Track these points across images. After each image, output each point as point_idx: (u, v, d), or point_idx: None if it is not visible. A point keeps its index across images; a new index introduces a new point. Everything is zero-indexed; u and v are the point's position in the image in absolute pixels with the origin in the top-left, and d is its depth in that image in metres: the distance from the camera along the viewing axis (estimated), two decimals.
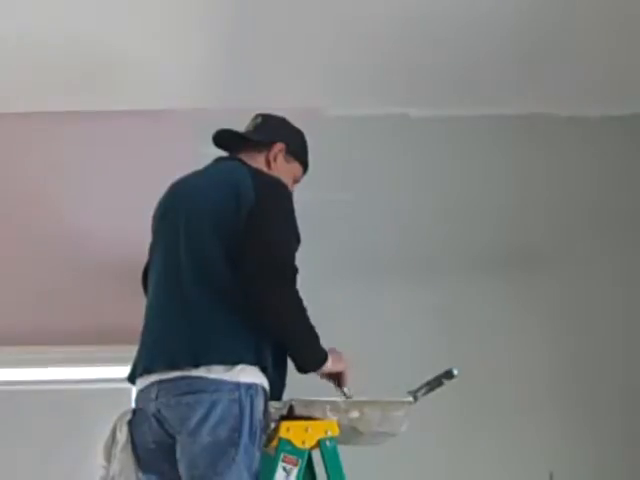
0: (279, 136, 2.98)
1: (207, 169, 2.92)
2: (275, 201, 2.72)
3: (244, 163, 2.86)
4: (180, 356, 2.58)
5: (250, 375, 2.57)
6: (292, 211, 2.74)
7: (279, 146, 2.96)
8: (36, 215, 4.08)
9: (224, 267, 2.63)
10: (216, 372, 2.55)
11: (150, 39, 3.77)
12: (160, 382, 2.61)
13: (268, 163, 2.95)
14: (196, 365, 2.55)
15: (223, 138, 3.00)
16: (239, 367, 2.55)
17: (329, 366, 2.72)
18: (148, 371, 2.66)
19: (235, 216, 2.65)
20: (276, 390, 2.67)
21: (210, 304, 2.62)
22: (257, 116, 3.07)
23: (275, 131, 3.00)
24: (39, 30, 3.67)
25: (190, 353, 2.57)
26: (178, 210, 2.80)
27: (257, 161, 2.91)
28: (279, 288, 2.58)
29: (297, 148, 3.03)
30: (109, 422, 2.73)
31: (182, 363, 2.57)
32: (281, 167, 2.95)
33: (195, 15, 3.65)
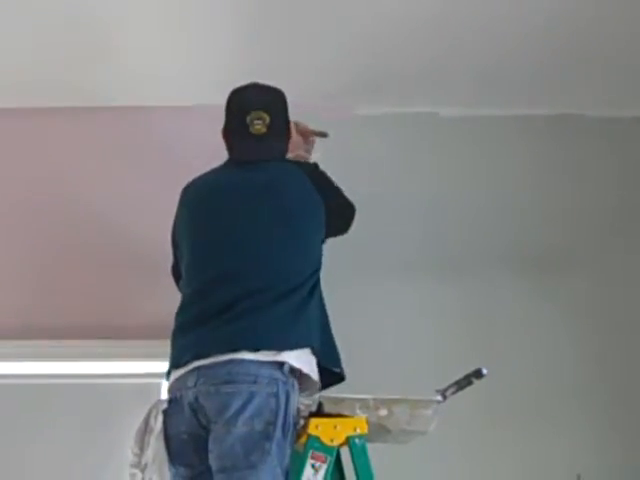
0: (288, 128, 3.06)
1: (249, 171, 2.92)
2: (328, 182, 3.01)
3: (287, 160, 3.00)
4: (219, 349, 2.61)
5: (294, 357, 2.62)
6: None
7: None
8: (71, 212, 4.07)
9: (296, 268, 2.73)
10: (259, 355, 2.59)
11: (178, 36, 3.79)
12: (199, 368, 2.61)
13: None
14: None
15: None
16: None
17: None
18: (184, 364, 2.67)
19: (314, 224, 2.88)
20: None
21: (259, 300, 2.67)
22: (260, 115, 2.98)
23: (285, 125, 3.04)
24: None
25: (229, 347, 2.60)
26: (226, 215, 2.84)
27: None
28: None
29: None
30: (137, 417, 2.73)
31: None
32: None
33: (219, 12, 3.65)
